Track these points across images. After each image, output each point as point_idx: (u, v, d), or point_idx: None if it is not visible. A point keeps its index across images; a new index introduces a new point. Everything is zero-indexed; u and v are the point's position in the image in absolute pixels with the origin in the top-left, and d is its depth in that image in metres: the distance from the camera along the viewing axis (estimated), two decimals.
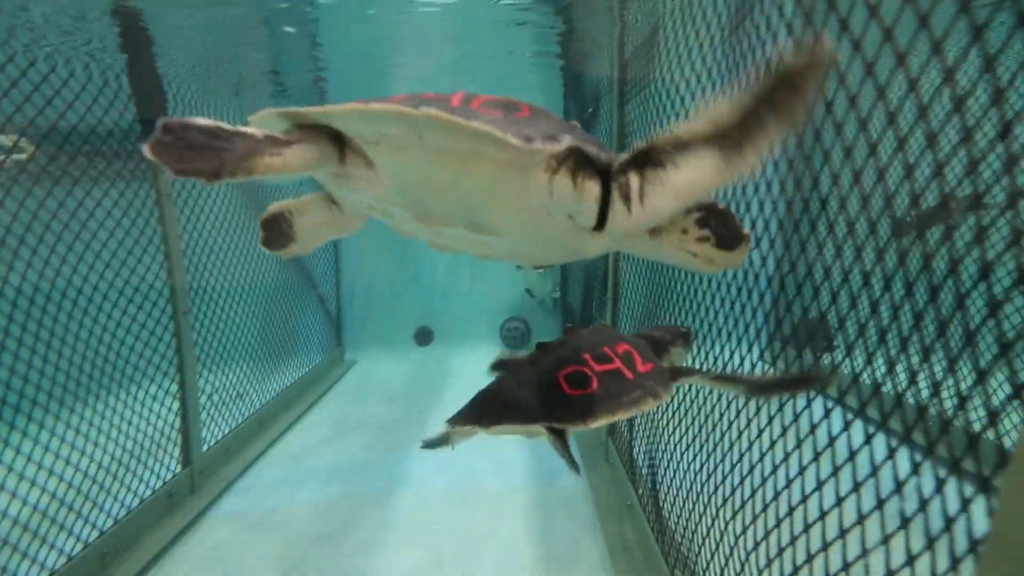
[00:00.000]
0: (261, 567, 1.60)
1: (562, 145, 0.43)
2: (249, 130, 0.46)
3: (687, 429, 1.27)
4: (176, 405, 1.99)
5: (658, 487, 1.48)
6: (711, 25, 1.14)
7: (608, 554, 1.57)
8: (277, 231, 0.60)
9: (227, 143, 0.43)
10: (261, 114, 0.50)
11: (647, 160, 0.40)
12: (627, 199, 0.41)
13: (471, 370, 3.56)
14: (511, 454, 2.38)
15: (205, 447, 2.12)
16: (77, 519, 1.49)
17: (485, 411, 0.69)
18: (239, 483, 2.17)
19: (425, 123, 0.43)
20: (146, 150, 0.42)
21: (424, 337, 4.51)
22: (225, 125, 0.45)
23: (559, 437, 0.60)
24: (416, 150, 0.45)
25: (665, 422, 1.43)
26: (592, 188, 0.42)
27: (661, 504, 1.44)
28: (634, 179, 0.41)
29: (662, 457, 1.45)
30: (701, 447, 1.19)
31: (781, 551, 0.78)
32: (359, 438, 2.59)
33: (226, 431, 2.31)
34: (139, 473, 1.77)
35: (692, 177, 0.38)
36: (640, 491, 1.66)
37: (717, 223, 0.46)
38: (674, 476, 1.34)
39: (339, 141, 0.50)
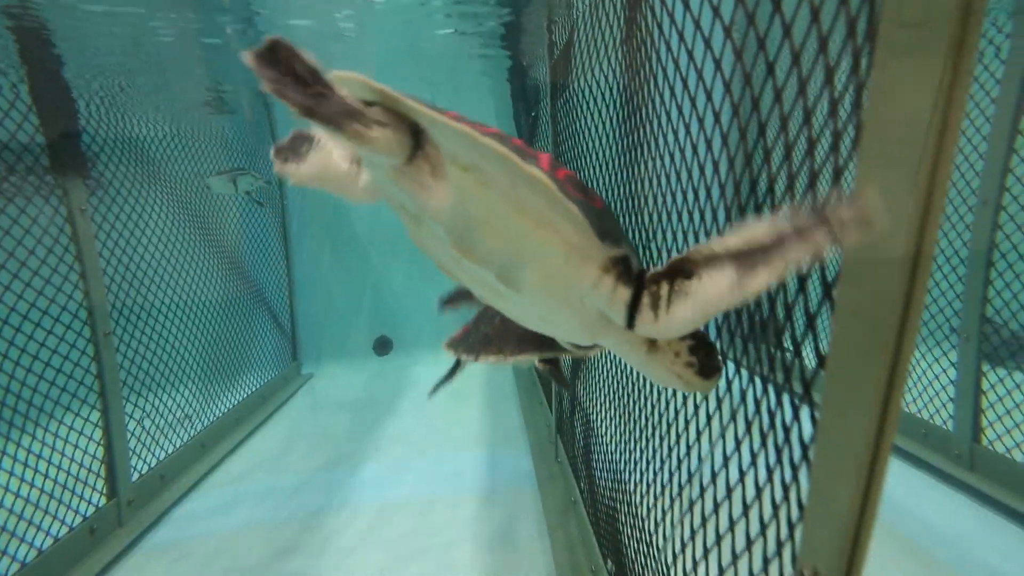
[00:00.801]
0: None
1: (620, 251, 0.47)
2: (344, 90, 0.43)
3: (617, 421, 1.29)
4: (100, 435, 1.88)
5: (594, 480, 1.50)
6: (613, 28, 1.18)
7: (552, 555, 1.58)
8: (296, 147, 0.55)
9: (325, 92, 0.41)
10: (346, 75, 0.44)
11: (679, 270, 0.43)
12: (655, 307, 0.44)
13: (431, 378, 3.51)
14: (460, 462, 2.36)
15: (136, 476, 2.02)
16: None
17: (505, 343, 0.72)
18: (176, 511, 2.07)
19: (528, 181, 0.44)
20: (247, 57, 0.39)
21: (383, 347, 4.44)
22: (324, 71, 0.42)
23: (554, 364, 0.64)
24: (502, 194, 0.45)
25: (600, 417, 1.46)
26: (624, 294, 0.46)
27: (596, 497, 1.46)
28: (664, 288, 0.44)
29: (596, 449, 1.48)
30: (627, 437, 1.21)
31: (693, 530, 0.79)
32: (307, 455, 2.52)
33: (161, 457, 2.20)
34: (54, 511, 1.66)
35: (714, 292, 0.40)
36: (582, 485, 1.68)
37: (704, 354, 0.49)
38: (605, 467, 1.37)
39: (415, 137, 0.46)
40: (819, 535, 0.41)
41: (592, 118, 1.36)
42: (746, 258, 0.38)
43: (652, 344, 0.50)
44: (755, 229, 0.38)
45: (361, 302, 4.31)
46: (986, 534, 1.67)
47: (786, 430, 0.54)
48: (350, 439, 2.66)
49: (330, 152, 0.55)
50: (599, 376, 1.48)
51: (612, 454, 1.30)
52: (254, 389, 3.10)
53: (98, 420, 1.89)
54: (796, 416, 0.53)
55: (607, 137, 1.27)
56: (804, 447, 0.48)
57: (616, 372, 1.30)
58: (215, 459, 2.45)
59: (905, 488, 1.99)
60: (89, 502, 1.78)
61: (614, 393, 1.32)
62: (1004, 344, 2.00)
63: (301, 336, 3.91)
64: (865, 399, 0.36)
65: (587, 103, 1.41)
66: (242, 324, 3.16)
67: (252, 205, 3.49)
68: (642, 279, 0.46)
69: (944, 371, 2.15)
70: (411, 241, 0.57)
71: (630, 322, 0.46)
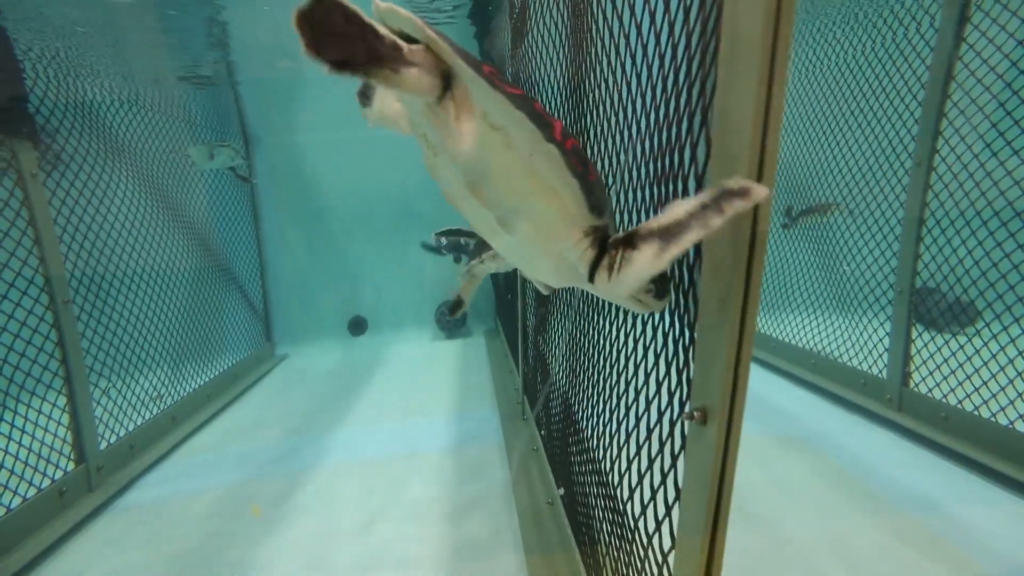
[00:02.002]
0: (155, 557, 1.56)
1: (602, 222, 0.56)
2: (382, 30, 0.45)
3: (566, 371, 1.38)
4: (64, 402, 1.87)
5: (551, 422, 1.59)
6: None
7: (513, 493, 1.68)
8: (367, 91, 0.60)
9: (360, 35, 0.43)
10: (393, 9, 0.47)
11: (629, 242, 0.52)
12: (609, 269, 0.54)
13: (404, 357, 3.57)
14: (432, 425, 2.43)
15: (104, 444, 2.01)
16: None
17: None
18: (146, 477, 2.08)
19: (545, 152, 0.51)
20: (293, 19, 0.41)
21: (358, 327, 4.45)
22: (363, 15, 0.44)
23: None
24: (520, 156, 0.51)
25: (555, 362, 1.54)
26: (590, 256, 0.56)
27: (552, 437, 1.55)
28: (618, 255, 0.53)
29: (553, 396, 1.56)
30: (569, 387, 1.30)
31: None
32: (279, 425, 2.54)
33: (130, 428, 2.19)
34: (21, 474, 1.66)
35: (650, 260, 0.49)
36: (543, 432, 1.78)
37: (660, 281, 0.58)
38: (559, 407, 1.46)
39: (445, 79, 0.49)
40: (706, 382, 0.49)
41: (544, 82, 1.40)
42: (671, 234, 0.48)
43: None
44: (675, 211, 0.48)
45: (335, 283, 4.29)
46: (913, 464, 1.85)
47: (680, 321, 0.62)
48: (323, 410, 2.70)
49: (384, 94, 0.58)
50: (557, 327, 1.56)
51: (565, 392, 1.39)
52: (226, 367, 3.08)
53: (61, 387, 1.87)
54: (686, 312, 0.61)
55: (557, 98, 1.32)
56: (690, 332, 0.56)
57: (567, 323, 1.38)
58: (186, 431, 2.45)
59: (842, 429, 2.18)
60: (57, 466, 1.78)
61: (567, 338, 1.40)
62: (936, 308, 2.16)
63: (275, 317, 3.88)
64: (730, 301, 0.44)
65: (539, 69, 1.45)
66: (212, 302, 3.12)
67: (222, 182, 3.41)
68: (604, 245, 0.55)
69: (885, 334, 2.31)
70: (423, 166, 0.61)
71: (591, 278, 0.56)
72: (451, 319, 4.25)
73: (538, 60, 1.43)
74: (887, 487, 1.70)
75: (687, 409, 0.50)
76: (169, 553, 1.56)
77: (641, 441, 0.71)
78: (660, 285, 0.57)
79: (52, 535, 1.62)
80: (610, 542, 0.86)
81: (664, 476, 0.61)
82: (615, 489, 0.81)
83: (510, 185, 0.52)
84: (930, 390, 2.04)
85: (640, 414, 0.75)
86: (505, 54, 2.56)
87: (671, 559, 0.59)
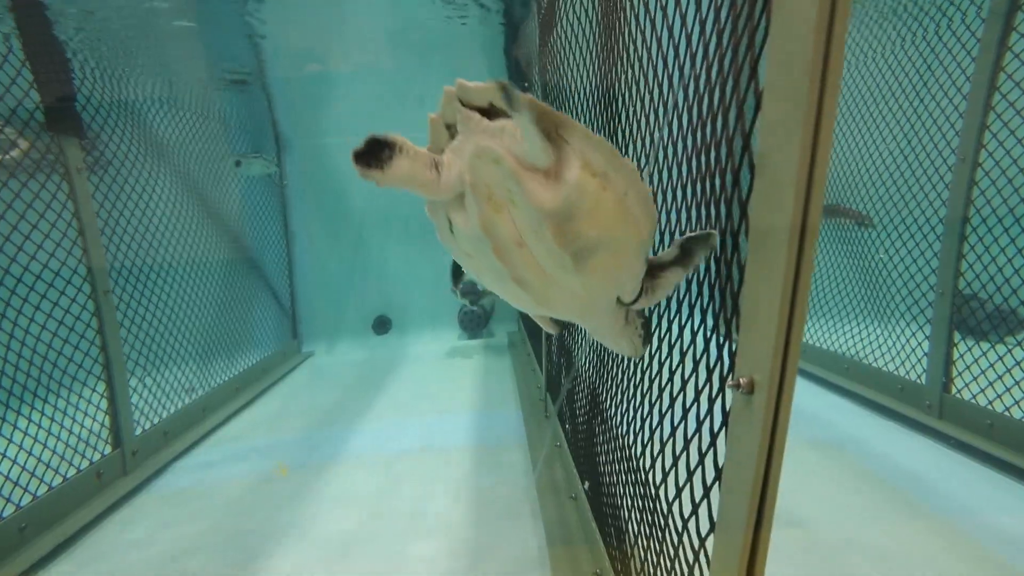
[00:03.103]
0: (190, 535, 1.60)
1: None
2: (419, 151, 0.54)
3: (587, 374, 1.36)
4: (103, 388, 1.94)
5: (575, 415, 1.57)
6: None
7: (537, 489, 1.66)
8: (376, 152, 0.56)
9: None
10: (487, 87, 0.53)
11: (654, 267, 0.63)
12: (647, 291, 0.65)
13: (427, 356, 3.60)
14: (455, 422, 2.44)
15: (139, 430, 2.08)
16: None
17: None
18: (178, 463, 2.14)
19: (638, 189, 0.57)
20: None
21: (382, 326, 4.51)
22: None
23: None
24: (612, 193, 0.57)
25: (582, 354, 1.53)
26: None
27: (577, 431, 1.53)
28: (650, 280, 0.63)
29: (577, 388, 1.55)
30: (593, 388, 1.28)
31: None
32: (305, 417, 2.59)
33: (164, 416, 2.26)
34: (66, 456, 1.74)
35: (672, 281, 0.63)
36: (566, 427, 1.76)
37: (646, 328, 0.70)
38: (585, 400, 1.44)
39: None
40: (752, 350, 0.47)
41: (573, 79, 1.39)
42: (679, 262, 0.62)
43: (628, 319, 0.69)
44: (667, 251, 0.62)
45: (361, 283, 4.36)
46: (952, 470, 1.76)
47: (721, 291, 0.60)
48: (348, 405, 2.73)
49: (415, 157, 0.56)
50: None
51: (592, 381, 1.37)
52: (255, 362, 3.16)
53: (100, 374, 1.94)
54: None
55: (589, 96, 1.31)
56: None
57: None
58: (215, 422, 2.52)
59: (877, 434, 2.09)
60: (95, 449, 1.85)
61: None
62: (977, 317, 2.05)
63: (302, 316, 3.97)
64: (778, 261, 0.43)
65: (568, 67, 1.44)
66: (241, 298, 3.21)
67: (254, 184, 3.54)
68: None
69: (925, 337, 2.21)
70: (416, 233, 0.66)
71: (636, 298, 0.64)
72: (471, 320, 4.26)
73: (566, 53, 1.43)
74: (925, 492, 1.62)
75: (731, 379, 0.48)
76: (200, 531, 1.61)
77: (676, 422, 0.70)
78: (646, 331, 0.70)
79: (90, 514, 1.68)
80: (639, 531, 0.84)
81: (702, 456, 0.59)
82: (647, 474, 0.79)
83: (597, 222, 0.54)
84: (974, 396, 1.94)
85: (675, 394, 0.73)
86: (533, 52, 2.57)
87: (709, 544, 0.57)
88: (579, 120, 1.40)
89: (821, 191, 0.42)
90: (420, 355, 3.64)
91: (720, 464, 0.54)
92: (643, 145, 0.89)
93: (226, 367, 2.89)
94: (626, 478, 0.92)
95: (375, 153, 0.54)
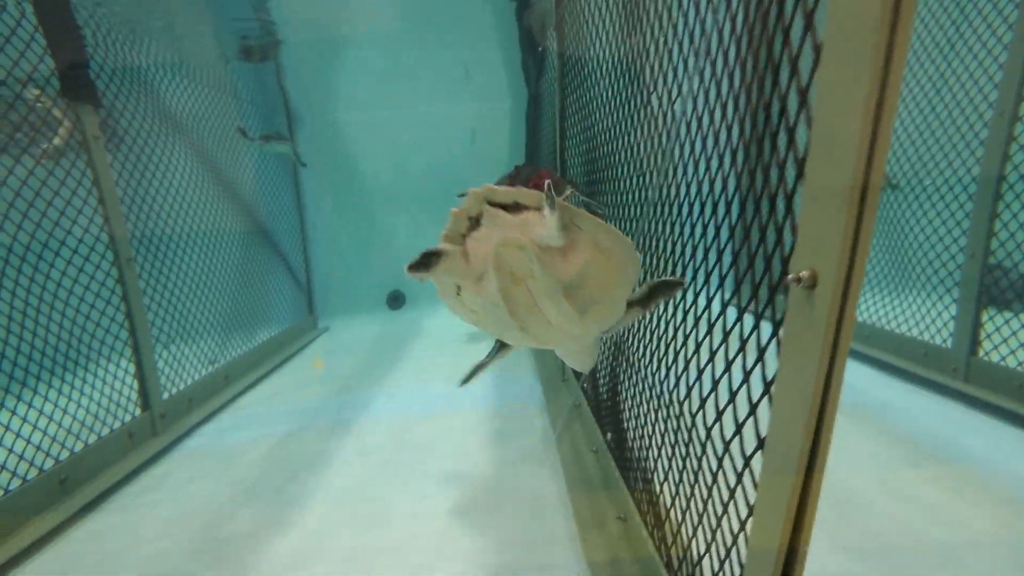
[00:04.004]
0: (218, 489, 1.65)
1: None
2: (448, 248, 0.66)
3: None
4: (130, 353, 1.99)
5: (597, 384, 1.57)
6: None
7: (557, 448, 1.68)
8: (428, 262, 0.65)
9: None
10: (486, 189, 0.64)
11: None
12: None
13: (442, 329, 3.61)
14: (473, 387, 2.45)
15: (166, 395, 2.13)
16: (36, 452, 1.52)
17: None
18: (204, 427, 2.20)
19: (634, 259, 0.71)
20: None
21: (396, 301, 4.54)
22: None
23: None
24: (618, 263, 0.71)
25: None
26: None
27: (599, 395, 1.53)
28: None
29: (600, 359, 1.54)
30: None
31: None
32: (322, 388, 2.63)
33: (189, 383, 2.32)
34: (99, 416, 1.80)
35: (628, 318, 0.76)
36: (585, 386, 1.76)
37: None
38: (606, 376, 1.43)
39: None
40: (815, 239, 0.45)
41: (597, 44, 1.34)
42: (643, 303, 0.76)
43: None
44: (643, 288, 0.76)
45: (375, 259, 4.37)
46: (979, 429, 1.74)
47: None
48: (365, 374, 2.77)
49: (453, 256, 0.66)
50: None
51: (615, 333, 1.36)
52: (273, 334, 3.21)
53: (127, 339, 1.98)
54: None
55: (612, 61, 1.26)
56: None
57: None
58: (236, 390, 2.58)
59: (901, 397, 2.06)
60: (126, 411, 1.91)
61: None
62: (1001, 286, 1.99)
63: (317, 292, 4.00)
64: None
65: (592, 29, 1.39)
66: (258, 273, 3.24)
67: (267, 159, 3.55)
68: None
69: (952, 301, 2.16)
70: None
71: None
72: None
73: (590, 11, 1.38)
74: (951, 448, 1.60)
75: (790, 275, 0.46)
76: (228, 485, 1.66)
77: (714, 346, 0.68)
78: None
79: (124, 469, 1.75)
80: (670, 466, 0.84)
81: (747, 374, 0.58)
82: (681, 404, 0.78)
83: (602, 285, 0.67)
84: (1003, 358, 1.90)
85: (712, 319, 0.71)
86: (548, 17, 2.50)
87: (755, 464, 0.56)
88: (604, 83, 1.36)
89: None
90: (435, 328, 3.66)
91: (769, 376, 0.52)
92: (676, 113, 0.86)
93: (245, 340, 2.94)
94: (655, 416, 0.91)
95: (425, 261, 0.65)
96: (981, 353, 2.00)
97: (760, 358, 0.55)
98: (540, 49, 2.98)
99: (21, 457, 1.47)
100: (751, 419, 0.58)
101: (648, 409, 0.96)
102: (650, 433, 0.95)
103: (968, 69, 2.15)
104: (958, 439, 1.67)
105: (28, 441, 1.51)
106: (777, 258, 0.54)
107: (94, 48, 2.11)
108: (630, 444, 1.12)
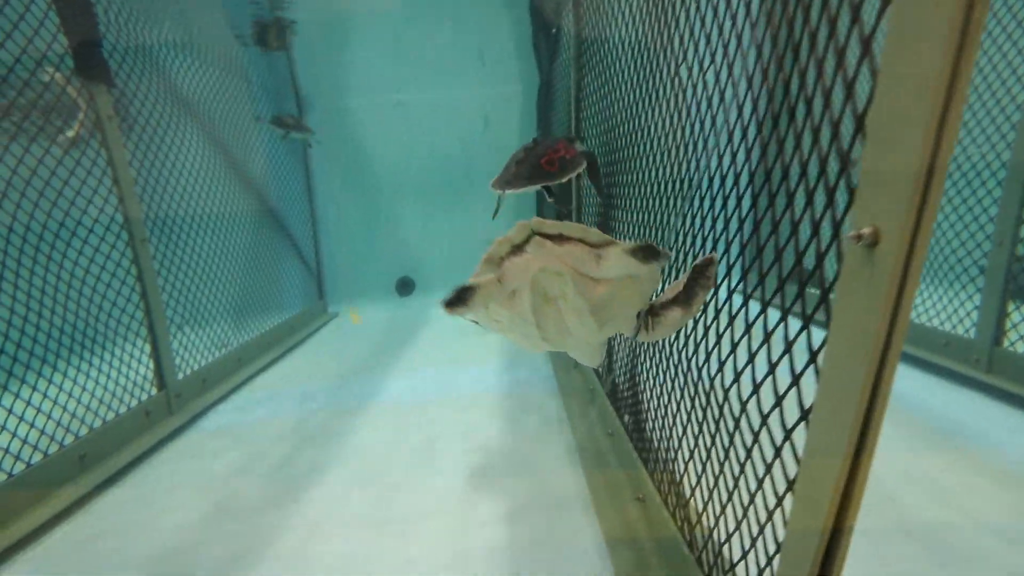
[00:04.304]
0: (234, 466, 1.66)
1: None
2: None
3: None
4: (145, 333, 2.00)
5: (614, 371, 1.55)
6: None
7: (572, 431, 1.67)
8: (464, 296, 0.68)
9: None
10: (536, 222, 0.68)
11: (654, 309, 0.76)
12: (647, 328, 0.77)
13: (450, 316, 3.60)
14: (483, 372, 2.45)
15: (180, 375, 2.15)
16: (57, 427, 1.54)
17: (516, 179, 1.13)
18: (219, 407, 2.22)
19: (655, 280, 0.75)
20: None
21: (405, 288, 4.53)
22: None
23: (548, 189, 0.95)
24: (639, 285, 0.75)
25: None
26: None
27: (616, 385, 1.51)
28: (650, 320, 0.76)
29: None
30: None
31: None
32: (334, 370, 2.64)
33: (203, 364, 2.33)
34: (117, 395, 1.82)
35: (671, 322, 0.75)
36: (599, 371, 1.74)
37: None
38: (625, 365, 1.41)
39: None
40: (879, 193, 0.42)
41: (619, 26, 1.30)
42: (679, 302, 0.75)
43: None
44: (669, 292, 0.77)
45: (385, 245, 4.36)
46: (1002, 420, 1.70)
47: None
48: (375, 360, 2.78)
49: (487, 286, 0.69)
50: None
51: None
52: (284, 319, 3.22)
53: (143, 319, 2.00)
54: None
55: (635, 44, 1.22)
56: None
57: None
58: (248, 373, 2.59)
59: (921, 388, 2.03)
60: (143, 389, 1.93)
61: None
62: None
63: (327, 277, 4.01)
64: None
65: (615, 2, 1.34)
66: (269, 257, 3.25)
67: (277, 146, 3.55)
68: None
69: (977, 290, 2.11)
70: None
71: (635, 335, 0.78)
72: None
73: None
74: (973, 438, 1.57)
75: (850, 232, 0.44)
76: (245, 462, 1.68)
77: (750, 319, 0.66)
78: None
79: (141, 447, 1.77)
80: (696, 444, 0.82)
81: (789, 344, 0.55)
82: (712, 380, 0.76)
83: (625, 303, 0.72)
84: None
85: (749, 292, 0.69)
86: (562, 1, 2.44)
87: (798, 437, 0.54)
88: (628, 57, 1.31)
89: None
90: (443, 316, 3.65)
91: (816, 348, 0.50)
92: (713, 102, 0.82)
93: (256, 323, 2.95)
94: (681, 394, 0.89)
95: (462, 297, 0.67)
96: (1006, 344, 1.95)
97: (805, 326, 0.53)
98: (554, 30, 2.91)
99: (42, 432, 1.49)
100: (793, 390, 0.55)
101: (675, 384, 0.94)
102: (674, 410, 0.93)
103: (1001, 49, 2.07)
104: (980, 429, 1.64)
105: (49, 416, 1.54)
106: (828, 221, 0.51)
107: (106, 27, 2.10)
108: (651, 422, 1.11)
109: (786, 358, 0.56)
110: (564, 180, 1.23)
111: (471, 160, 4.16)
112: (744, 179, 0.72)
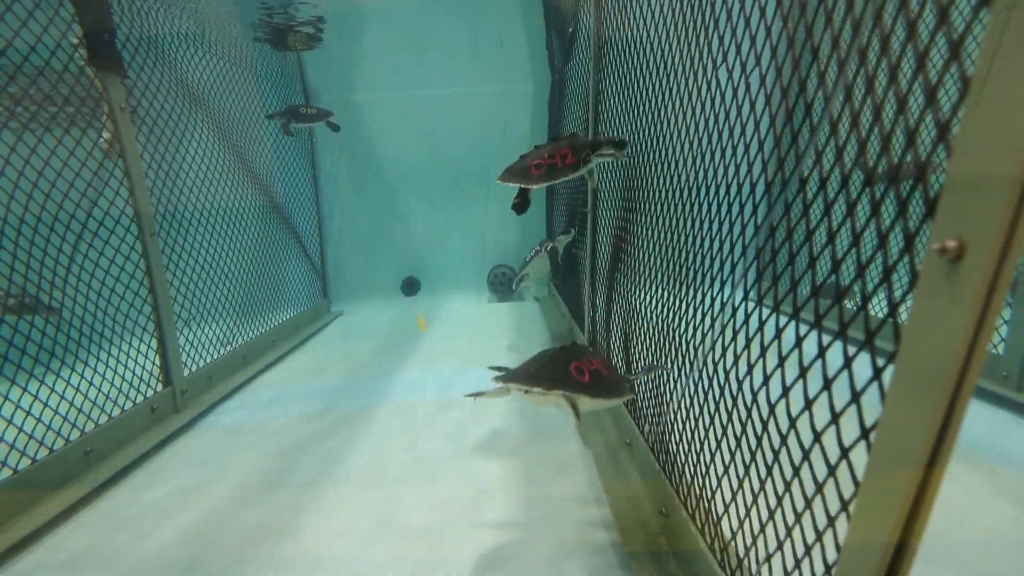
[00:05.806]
0: (241, 463, 1.64)
1: None
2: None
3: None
4: (152, 328, 1.98)
5: (631, 357, 1.53)
6: None
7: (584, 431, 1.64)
8: (482, 392, 1.08)
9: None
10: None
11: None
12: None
13: (458, 316, 3.58)
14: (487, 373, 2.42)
15: (187, 372, 2.13)
16: (63, 423, 1.52)
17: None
18: (223, 405, 2.19)
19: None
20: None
21: (411, 287, 4.51)
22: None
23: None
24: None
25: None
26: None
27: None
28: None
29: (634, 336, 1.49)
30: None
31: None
32: (339, 369, 2.62)
33: (208, 361, 2.31)
34: (123, 390, 1.80)
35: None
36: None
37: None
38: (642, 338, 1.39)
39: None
40: (965, 202, 0.39)
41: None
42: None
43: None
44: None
45: (390, 244, 4.34)
46: None
47: None
48: (382, 357, 2.75)
49: (500, 391, 1.16)
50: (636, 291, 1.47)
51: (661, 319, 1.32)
52: (288, 317, 3.20)
53: (150, 314, 1.97)
54: None
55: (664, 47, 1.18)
56: None
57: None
58: (254, 371, 2.57)
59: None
60: (149, 385, 1.90)
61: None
62: None
63: (332, 277, 3.98)
64: None
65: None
66: (274, 255, 3.23)
67: (284, 143, 3.53)
68: None
69: (1006, 305, 2.07)
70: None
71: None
72: (500, 282, 4.21)
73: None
74: (1001, 456, 1.54)
75: (933, 246, 0.41)
76: (254, 457, 1.66)
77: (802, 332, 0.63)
78: None
79: (147, 443, 1.74)
80: (731, 459, 0.80)
81: (848, 360, 0.53)
82: (756, 391, 0.74)
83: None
84: None
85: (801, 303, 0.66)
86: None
87: (855, 460, 0.51)
88: (660, 55, 1.27)
89: None
90: (450, 315, 3.63)
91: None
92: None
93: (261, 321, 2.93)
94: (716, 406, 0.87)
95: (481, 392, 1.12)
96: None
97: (869, 340, 0.50)
98: (570, 30, 2.89)
99: (48, 427, 1.47)
100: (853, 406, 0.53)
101: (708, 399, 0.91)
102: (705, 425, 0.91)
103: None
104: (1008, 448, 1.60)
105: (56, 411, 1.51)
106: (899, 231, 0.49)
107: (119, 17, 2.08)
108: (673, 436, 1.08)
109: (844, 374, 0.54)
110: (579, 173, 1.33)
111: (479, 158, 4.14)
112: (793, 187, 0.70)
